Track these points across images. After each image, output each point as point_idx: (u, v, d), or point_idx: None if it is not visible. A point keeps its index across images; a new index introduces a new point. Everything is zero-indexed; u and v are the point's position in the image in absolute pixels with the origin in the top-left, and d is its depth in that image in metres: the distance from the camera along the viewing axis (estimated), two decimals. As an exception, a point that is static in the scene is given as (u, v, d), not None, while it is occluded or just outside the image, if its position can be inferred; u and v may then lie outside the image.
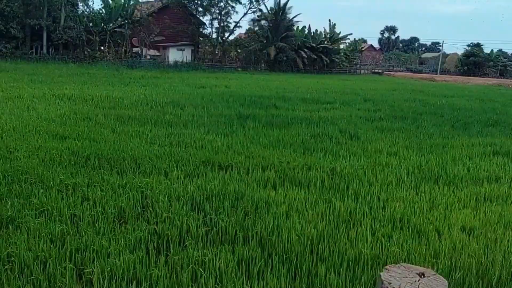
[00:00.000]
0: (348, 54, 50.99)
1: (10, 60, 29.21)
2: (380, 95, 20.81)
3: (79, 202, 5.07)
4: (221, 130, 9.79)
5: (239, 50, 43.77)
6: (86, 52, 33.93)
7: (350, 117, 12.98)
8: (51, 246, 4.01)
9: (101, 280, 3.54)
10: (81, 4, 35.68)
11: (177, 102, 14.04)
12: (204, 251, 4.06)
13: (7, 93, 13.94)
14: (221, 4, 40.52)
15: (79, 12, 35.18)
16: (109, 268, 3.66)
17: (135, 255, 3.91)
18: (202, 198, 5.32)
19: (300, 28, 46.13)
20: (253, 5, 41.79)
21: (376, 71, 55.27)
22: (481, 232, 4.86)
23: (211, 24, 42.14)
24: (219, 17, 41.26)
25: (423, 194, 6.09)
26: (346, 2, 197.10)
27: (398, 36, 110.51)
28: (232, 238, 4.40)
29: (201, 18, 42.20)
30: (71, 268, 3.67)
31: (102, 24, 36.03)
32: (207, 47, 42.66)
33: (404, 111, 14.99)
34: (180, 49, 41.49)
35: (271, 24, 42.25)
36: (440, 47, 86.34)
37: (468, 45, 64.85)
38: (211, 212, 4.93)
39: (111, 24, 36.17)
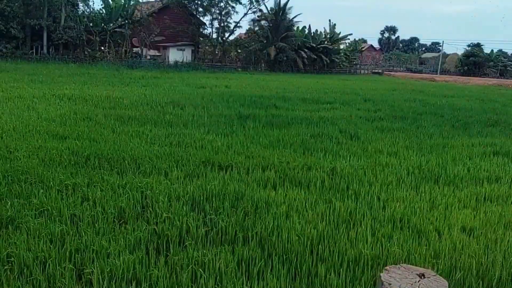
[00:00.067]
0: (348, 54, 50.97)
1: (10, 60, 29.21)
2: (380, 95, 20.80)
3: (79, 202, 5.06)
4: (221, 130, 9.79)
5: (239, 50, 43.77)
6: (86, 52, 33.93)
7: (350, 117, 12.97)
8: (51, 246, 4.00)
9: (100, 280, 3.53)
10: (81, 4, 35.74)
11: (177, 102, 14.04)
12: (204, 251, 4.05)
13: (7, 93, 13.94)
14: (221, 4, 40.55)
15: (79, 12, 35.19)
16: (108, 269, 3.66)
17: (135, 255, 3.90)
18: (202, 198, 5.32)
19: (300, 28, 46.14)
20: (253, 5, 41.85)
21: (376, 71, 55.25)
22: (481, 233, 4.85)
23: (211, 24, 42.20)
24: (219, 17, 41.26)
25: (423, 194, 6.09)
26: (346, 2, 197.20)
27: (398, 36, 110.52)
28: (232, 238, 4.40)
29: (201, 18, 42.24)
30: (70, 269, 3.67)
31: (102, 24, 36.03)
32: (207, 47, 42.66)
33: (404, 111, 14.99)
34: (180, 49, 41.49)
35: (271, 24, 42.25)
36: (440, 47, 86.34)
37: (468, 45, 64.88)
38: (211, 212, 4.93)
39: (111, 24, 36.17)
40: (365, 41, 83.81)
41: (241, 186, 5.84)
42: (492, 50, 64.46)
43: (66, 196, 5.24)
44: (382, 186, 6.32)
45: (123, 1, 37.43)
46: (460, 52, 70.05)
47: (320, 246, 4.27)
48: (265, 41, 42.07)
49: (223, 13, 40.91)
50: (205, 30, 43.36)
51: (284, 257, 4.06)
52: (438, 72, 62.20)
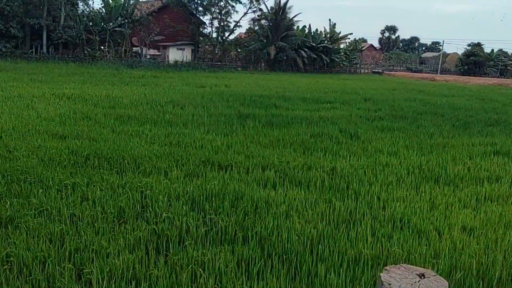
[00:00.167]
0: (348, 53, 50.92)
1: (10, 60, 29.20)
2: (380, 95, 20.79)
3: (79, 202, 5.06)
4: (221, 130, 9.78)
5: (239, 50, 43.73)
6: (86, 52, 33.89)
7: (350, 117, 12.96)
8: (50, 246, 4.00)
9: (100, 280, 3.53)
10: (81, 4, 35.72)
11: (177, 101, 14.03)
12: (204, 251, 4.05)
13: (6, 93, 13.93)
14: (221, 3, 40.50)
15: (79, 12, 35.16)
16: (108, 268, 3.66)
17: (134, 255, 3.90)
18: (201, 198, 5.31)
19: (300, 27, 46.12)
20: (253, 5, 41.78)
21: (376, 70, 55.21)
22: (481, 232, 4.84)
23: (211, 23, 42.14)
24: (219, 17, 41.22)
25: (423, 194, 6.08)
26: (347, 2, 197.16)
27: (398, 36, 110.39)
28: (232, 238, 4.40)
29: (201, 17, 42.22)
30: (70, 268, 3.66)
31: (102, 24, 36.00)
32: (207, 46, 42.62)
33: (404, 111, 14.98)
34: (180, 49, 41.47)
35: (271, 24, 42.22)
36: (441, 47, 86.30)
37: (469, 45, 64.71)
38: (210, 212, 4.92)
39: (111, 24, 36.14)
40: (365, 41, 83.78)
41: (241, 185, 5.83)
42: (492, 50, 64.41)
43: (66, 195, 5.23)
44: (382, 186, 6.32)
45: (122, 1, 37.41)
46: (460, 51, 70.05)
47: (320, 246, 4.26)
48: (265, 41, 42.04)
49: (223, 12, 40.87)
50: (205, 30, 43.36)
51: (284, 256, 4.06)
52: (439, 71, 62.17)
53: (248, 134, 9.56)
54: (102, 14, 36.52)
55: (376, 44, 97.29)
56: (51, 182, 5.56)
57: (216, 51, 41.81)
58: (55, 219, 4.57)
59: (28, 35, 32.48)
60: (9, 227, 4.37)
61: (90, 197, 5.19)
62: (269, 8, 42.73)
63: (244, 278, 3.70)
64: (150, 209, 4.91)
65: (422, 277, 1.74)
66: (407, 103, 17.60)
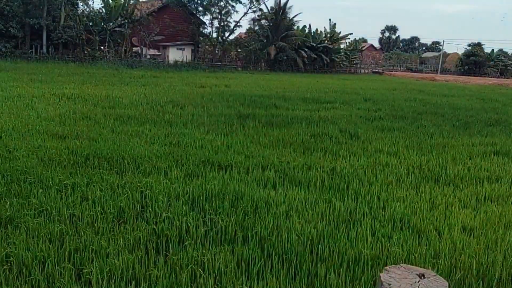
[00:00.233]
0: (348, 53, 50.91)
1: (9, 60, 29.18)
2: (380, 95, 20.79)
3: (78, 202, 5.05)
4: (221, 130, 9.77)
5: (239, 50, 43.70)
6: (86, 52, 33.87)
7: (350, 117, 12.96)
8: (50, 246, 3.99)
9: (100, 280, 3.52)
10: (81, 4, 35.67)
11: (177, 101, 14.03)
12: (204, 251, 4.04)
13: (6, 93, 13.92)
14: (221, 3, 40.49)
15: (79, 12, 35.13)
16: (108, 268, 3.65)
17: (134, 255, 3.89)
18: (201, 198, 5.31)
19: (300, 27, 46.10)
20: (253, 5, 41.76)
21: (376, 70, 55.20)
22: (481, 232, 4.84)
23: (211, 23, 42.13)
24: (219, 17, 41.20)
25: (423, 194, 6.08)
26: (347, 2, 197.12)
27: (398, 36, 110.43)
28: (232, 238, 4.39)
29: (201, 17, 42.19)
30: (70, 268, 3.66)
31: (102, 24, 35.97)
32: (207, 46, 42.60)
33: (405, 111, 14.98)
34: (180, 49, 41.45)
35: (271, 24, 42.20)
36: (441, 47, 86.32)
37: (469, 45, 64.68)
38: (210, 212, 4.92)
39: (111, 24, 36.12)
40: (365, 41, 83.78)
41: (241, 185, 5.83)
42: (492, 50, 64.40)
43: (65, 195, 5.22)
44: (382, 186, 6.31)
45: (122, 1, 37.38)
46: (460, 51, 70.02)
47: (320, 246, 4.26)
48: (265, 41, 42.04)
49: (223, 12, 40.86)
50: (205, 30, 43.33)
51: (284, 257, 4.05)
52: (439, 71, 62.17)
53: (248, 134, 9.56)
54: (102, 14, 36.49)
55: (376, 44, 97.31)
56: (50, 182, 5.56)
57: (216, 51, 41.80)
58: (54, 219, 4.57)
59: (28, 35, 32.46)
60: (8, 227, 4.37)
61: (89, 197, 5.18)
62: (269, 8, 42.76)
63: (244, 278, 3.70)
64: (150, 209, 4.90)
65: (422, 277, 1.74)
66: (407, 103, 17.60)
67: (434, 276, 1.79)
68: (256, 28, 43.13)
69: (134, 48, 38.47)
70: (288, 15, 43.05)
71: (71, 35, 32.68)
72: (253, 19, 42.90)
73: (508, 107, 18.67)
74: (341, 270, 3.86)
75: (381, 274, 1.77)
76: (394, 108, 15.60)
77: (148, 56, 38.94)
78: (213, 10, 40.78)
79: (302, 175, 6.56)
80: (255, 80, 27.61)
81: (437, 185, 6.59)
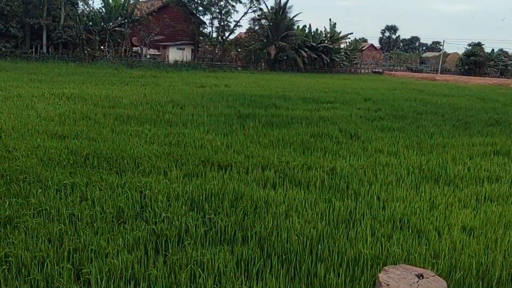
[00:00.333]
0: (348, 53, 50.89)
1: (9, 59, 29.19)
2: (380, 95, 20.78)
3: (78, 201, 5.05)
4: (221, 130, 9.77)
5: (239, 50, 43.69)
6: (85, 52, 33.86)
7: (350, 117, 12.95)
8: (49, 246, 3.99)
9: (99, 280, 3.52)
10: (81, 3, 35.68)
11: (177, 101, 14.02)
12: (203, 251, 4.04)
13: (6, 92, 13.92)
14: (221, 3, 40.48)
15: (79, 11, 35.13)
16: (107, 268, 3.65)
17: (133, 255, 3.89)
18: (201, 197, 5.30)
19: (300, 27, 46.09)
20: (254, 4, 41.76)
21: (376, 70, 55.20)
22: (481, 232, 4.84)
23: (211, 23, 42.12)
24: (219, 16, 41.20)
25: (423, 194, 6.07)
26: (347, 2, 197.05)
27: (398, 36, 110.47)
28: (231, 238, 4.39)
29: (201, 17, 42.18)
30: (69, 268, 3.65)
31: (102, 23, 35.96)
32: (207, 46, 42.59)
33: (405, 111, 14.97)
34: (180, 48, 41.45)
35: (271, 23, 42.19)
36: (441, 47, 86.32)
37: (469, 45, 64.67)
38: (210, 212, 4.91)
39: (111, 23, 36.12)
40: (365, 40, 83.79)
41: (241, 185, 5.82)
42: (492, 50, 64.40)
43: (65, 195, 5.22)
44: (382, 186, 6.31)
45: (122, 0, 37.38)
46: (460, 51, 70.02)
47: (319, 246, 4.25)
48: (265, 40, 42.04)
49: (223, 12, 40.85)
50: (205, 29, 43.33)
51: (284, 257, 4.05)
52: (439, 71, 62.16)
53: (248, 134, 9.55)
54: (102, 13, 36.49)
55: (376, 44, 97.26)
56: (50, 182, 5.55)
57: (216, 51, 41.79)
58: (54, 219, 4.57)
59: (28, 35, 32.46)
60: (8, 227, 4.36)
61: (89, 197, 5.18)
62: (269, 8, 42.77)
63: (243, 278, 3.69)
64: (149, 209, 4.90)
65: (421, 277, 1.73)
66: (407, 103, 17.59)
67: (433, 276, 1.78)
68: (256, 28, 43.13)
69: (134, 48, 38.47)
70: (288, 14, 43.05)
71: (71, 35, 32.68)
72: (253, 19, 42.92)
73: (508, 107, 18.67)
74: (341, 270, 3.85)
75: (379, 275, 1.77)
76: (394, 108, 15.59)
77: (148, 56, 38.93)
78: (213, 9, 40.78)
79: (302, 175, 6.56)
80: (255, 80, 27.61)
81: (437, 185, 6.58)
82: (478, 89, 30.99)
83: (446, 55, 71.81)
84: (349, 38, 52.85)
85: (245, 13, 42.64)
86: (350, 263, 3.99)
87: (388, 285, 1.69)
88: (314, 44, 44.85)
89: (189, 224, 4.51)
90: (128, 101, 13.49)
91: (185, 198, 5.28)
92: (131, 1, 38.21)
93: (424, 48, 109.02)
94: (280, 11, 41.98)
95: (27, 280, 3.52)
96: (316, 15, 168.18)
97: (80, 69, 26.33)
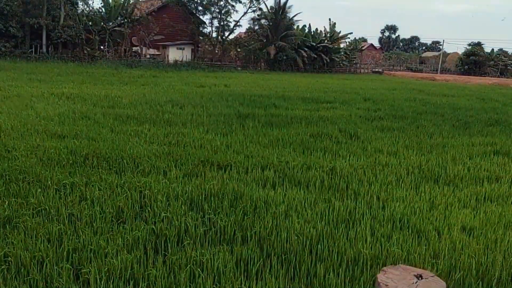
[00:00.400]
0: (348, 53, 50.89)
1: (9, 59, 29.16)
2: (380, 94, 20.78)
3: (77, 201, 5.04)
4: (220, 130, 9.76)
5: (239, 49, 43.67)
6: (85, 51, 33.84)
7: (350, 117, 12.95)
8: (48, 246, 3.98)
9: (98, 280, 3.51)
10: (81, 3, 35.62)
11: (176, 101, 14.01)
12: (202, 251, 4.03)
13: (5, 92, 13.91)
14: (221, 3, 40.46)
15: (79, 11, 35.09)
16: (106, 268, 3.64)
17: (132, 255, 3.88)
18: (200, 197, 5.30)
19: (300, 27, 46.07)
20: (253, 4, 41.76)
21: (376, 70, 55.18)
22: (481, 232, 4.83)
23: (211, 23, 42.10)
24: (219, 16, 41.19)
25: (423, 194, 6.07)
26: (347, 1, 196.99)
27: (398, 35, 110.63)
28: (231, 238, 4.38)
29: (201, 17, 42.16)
30: (68, 268, 3.64)
31: (102, 23, 35.93)
32: (207, 46, 42.58)
33: (404, 111, 14.96)
34: (180, 48, 41.44)
35: (271, 23, 42.18)
36: (441, 46, 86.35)
37: (469, 44, 64.81)
38: (209, 211, 4.91)
39: (110, 23, 36.10)
40: (365, 40, 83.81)
41: (240, 185, 5.82)
42: (492, 49, 64.48)
43: (64, 195, 5.21)
44: (382, 186, 6.30)
45: (122, 0, 37.36)
46: (460, 51, 70.07)
47: (319, 245, 4.25)
48: (265, 40, 42.02)
49: (222, 12, 40.84)
50: (205, 29, 43.29)
51: (283, 257, 4.04)
52: (439, 71, 62.16)
53: (247, 134, 9.54)
54: (102, 13, 36.46)
55: (376, 44, 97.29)
56: (49, 182, 5.55)
57: (216, 51, 41.79)
58: (53, 219, 4.56)
59: (27, 34, 32.42)
60: (7, 226, 4.36)
61: (88, 196, 5.17)
62: (269, 8, 42.73)
63: (242, 278, 3.69)
64: (149, 209, 4.89)
65: (420, 278, 1.73)
66: (407, 103, 17.59)
67: (432, 277, 1.78)
68: (256, 27, 43.11)
69: (133, 48, 38.45)
70: (288, 14, 43.03)
71: (71, 34, 32.64)
72: (253, 19, 42.90)
73: (508, 107, 18.67)
74: (340, 270, 3.85)
75: (378, 275, 1.76)
76: (394, 108, 15.58)
77: (148, 56, 38.92)
78: (212, 9, 40.76)
79: (301, 175, 6.55)
80: (255, 79, 27.60)
81: (436, 185, 6.58)
82: (478, 89, 30.99)
83: (446, 55, 71.82)
84: (349, 37, 52.93)
85: (245, 13, 42.66)
86: (349, 263, 3.99)
87: (387, 285, 1.68)
88: (314, 44, 44.83)
89: (188, 224, 4.51)
90: (128, 101, 13.48)
91: (185, 198, 5.27)
92: (131, 1, 38.16)
93: (424, 48, 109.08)
94: (279, 11, 41.97)
95: (26, 280, 3.51)
96: (315, 15, 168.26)
97: (80, 69, 26.32)
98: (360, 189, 6.04)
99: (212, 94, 17.06)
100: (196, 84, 21.77)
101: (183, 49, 41.50)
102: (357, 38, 59.16)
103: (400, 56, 76.62)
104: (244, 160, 7.16)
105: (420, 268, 3.84)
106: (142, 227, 4.43)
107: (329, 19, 59.24)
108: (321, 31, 48.28)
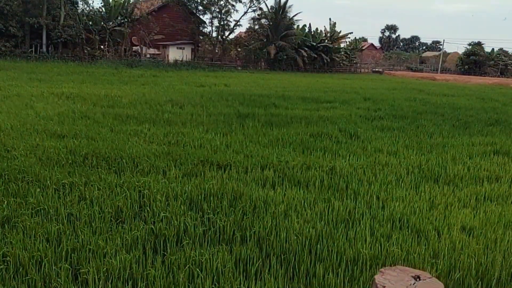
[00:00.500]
0: (348, 53, 50.88)
1: (9, 59, 29.17)
2: (380, 94, 20.77)
3: (76, 201, 5.03)
4: (220, 129, 9.75)
5: (239, 49, 43.70)
6: (85, 51, 33.85)
7: (350, 116, 12.94)
8: (47, 245, 3.97)
9: (96, 280, 3.51)
10: (81, 3, 35.65)
11: (176, 100, 14.00)
12: (202, 251, 4.02)
13: (5, 92, 13.91)
14: (221, 2, 40.46)
15: (79, 11, 35.10)
16: (105, 268, 3.63)
17: (131, 255, 3.87)
18: (200, 197, 5.29)
19: (300, 27, 46.07)
20: (254, 4, 41.80)
21: (376, 70, 55.18)
22: (481, 232, 4.82)
23: (211, 22, 42.12)
24: (219, 16, 41.19)
25: (422, 194, 6.06)
26: (347, 1, 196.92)
27: (398, 35, 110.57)
28: (230, 238, 4.37)
29: (201, 16, 42.17)
30: (66, 268, 3.64)
31: (102, 23, 35.95)
32: (207, 45, 42.59)
33: (404, 110, 14.95)
34: (180, 48, 41.44)
35: (271, 23, 42.18)
36: (441, 46, 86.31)
37: (469, 44, 64.68)
38: (209, 211, 4.90)
39: (110, 23, 36.10)
40: (365, 40, 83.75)
41: (240, 185, 5.81)
42: (493, 49, 64.38)
43: (63, 195, 5.21)
44: (382, 186, 6.29)
45: (122, 0, 37.36)
46: (460, 51, 70.03)
47: (318, 245, 4.24)
48: (265, 40, 42.02)
49: (223, 11, 40.84)
50: (205, 29, 43.34)
51: (282, 257, 4.04)
52: (439, 71, 62.15)
53: (247, 133, 9.53)
54: (102, 13, 36.47)
55: (376, 44, 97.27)
56: (48, 182, 5.54)
57: (216, 50, 41.79)
58: (52, 218, 4.55)
59: (27, 34, 32.42)
60: (5, 226, 4.35)
61: (87, 196, 5.16)
62: (269, 7, 42.76)
63: (242, 278, 3.68)
64: (148, 209, 4.88)
65: (418, 279, 1.71)
66: (407, 103, 17.58)
67: (430, 278, 1.77)
68: (256, 27, 43.11)
69: (133, 47, 38.46)
70: (288, 14, 43.03)
71: (71, 34, 32.65)
72: (253, 18, 42.92)
73: (508, 106, 18.65)
74: (340, 270, 3.84)
75: (375, 276, 1.75)
76: (394, 108, 15.57)
77: (148, 56, 38.92)
78: (213, 9, 40.77)
79: (301, 175, 6.54)
80: (255, 79, 27.59)
81: (436, 185, 6.57)
82: (478, 89, 30.97)
83: (446, 54, 71.78)
84: (349, 37, 52.88)
85: (245, 12, 42.77)
86: (349, 263, 3.98)
87: (384, 286, 1.67)
88: (314, 44, 44.83)
89: (187, 224, 4.50)
90: (128, 101, 13.48)
91: (184, 197, 5.26)
92: (131, 1, 38.19)
93: (424, 47, 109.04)
94: (280, 11, 41.96)
95: (24, 280, 3.51)
96: (316, 14, 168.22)
97: (80, 69, 26.31)
98: (359, 189, 6.03)
99: (212, 93, 17.05)
100: (196, 83, 21.76)
101: (183, 48, 41.51)
102: (357, 37, 59.05)
103: (400, 56, 76.59)
104: (244, 160, 7.15)
105: (419, 268, 3.83)
106: (141, 227, 4.42)
107: (330, 19, 59.36)
108: (321, 30, 48.28)
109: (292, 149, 8.26)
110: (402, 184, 6.48)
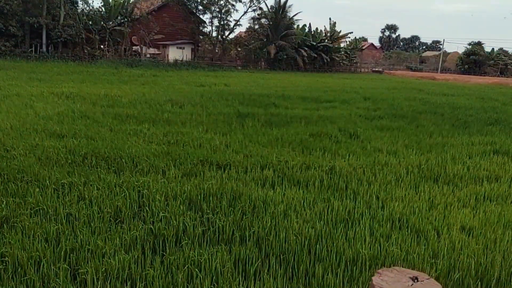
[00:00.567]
0: (348, 52, 50.85)
1: (9, 58, 29.14)
2: (380, 94, 20.75)
3: (75, 201, 5.03)
4: (220, 129, 9.74)
5: (239, 49, 43.67)
6: (85, 51, 33.82)
7: (350, 116, 12.93)
8: (46, 246, 3.97)
9: (95, 280, 3.50)
10: (81, 2, 35.62)
11: (176, 100, 13.99)
12: (201, 251, 4.02)
13: (5, 91, 13.90)
14: (221, 2, 40.43)
15: (79, 10, 35.08)
16: (103, 268, 3.63)
17: (130, 255, 3.87)
18: (199, 197, 5.28)
19: (300, 26, 46.06)
20: (254, 4, 41.78)
21: (376, 69, 55.16)
22: (480, 232, 4.82)
23: (211, 22, 42.09)
24: (219, 15, 41.16)
25: (422, 194, 6.05)
26: (347, 1, 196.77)
27: (399, 35, 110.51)
28: (229, 238, 4.37)
29: (201, 16, 42.14)
30: (65, 268, 3.63)
31: (102, 22, 35.91)
32: (207, 45, 42.56)
33: (404, 110, 14.94)
34: (180, 48, 41.41)
35: (271, 23, 42.15)
36: (441, 46, 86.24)
37: (469, 44, 64.61)
38: (208, 211, 4.89)
39: (110, 23, 36.08)
40: (365, 40, 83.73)
41: (239, 185, 5.80)
42: (492, 49, 64.37)
43: (62, 195, 5.20)
44: (381, 185, 6.29)
45: (122, -1, 37.35)
46: (460, 50, 70.06)
47: (317, 245, 4.23)
48: (265, 40, 41.99)
49: (223, 11, 40.81)
50: (205, 28, 43.31)
51: (282, 257, 4.03)
52: (439, 70, 62.12)
53: (247, 133, 9.52)
54: (102, 13, 36.43)
55: (376, 43, 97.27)
56: (47, 181, 5.53)
57: (216, 50, 41.77)
58: (51, 218, 4.55)
59: (27, 34, 32.39)
60: (4, 226, 4.34)
61: (87, 196, 5.16)
62: (269, 7, 42.74)
63: (241, 278, 3.68)
64: (147, 209, 4.88)
65: (415, 280, 1.71)
66: (407, 102, 17.56)
67: (427, 279, 1.76)
68: (256, 27, 43.08)
69: (133, 47, 38.44)
70: (288, 14, 43.01)
71: (71, 34, 32.62)
72: (253, 18, 42.89)
73: (507, 106, 18.64)
74: (339, 270, 3.83)
75: (373, 278, 1.74)
76: (393, 107, 15.56)
77: (148, 55, 38.90)
78: (213, 9, 40.74)
79: (300, 175, 6.53)
80: (255, 79, 27.57)
81: (436, 185, 6.56)
82: (477, 88, 30.95)
83: (446, 54, 71.74)
84: (349, 37, 52.86)
85: (245, 12, 42.77)
86: (348, 263, 3.97)
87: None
88: (314, 43, 44.81)
89: (187, 224, 4.49)
90: (127, 100, 13.47)
91: (183, 197, 5.26)
92: (131, 0, 38.15)
93: (424, 47, 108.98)
94: (280, 10, 41.93)
95: (23, 280, 3.50)
96: (316, 14, 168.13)
97: (80, 68, 26.30)
98: (359, 189, 6.02)
99: (212, 93, 17.04)
100: (196, 83, 21.75)
101: (183, 48, 41.49)
102: (357, 37, 58.99)
103: (400, 56, 76.53)
104: (243, 160, 7.14)
105: (419, 268, 3.83)
106: (140, 227, 4.41)
107: (330, 19, 59.36)
108: (321, 30, 48.26)
109: (291, 149, 8.25)
110: (402, 184, 6.47)
